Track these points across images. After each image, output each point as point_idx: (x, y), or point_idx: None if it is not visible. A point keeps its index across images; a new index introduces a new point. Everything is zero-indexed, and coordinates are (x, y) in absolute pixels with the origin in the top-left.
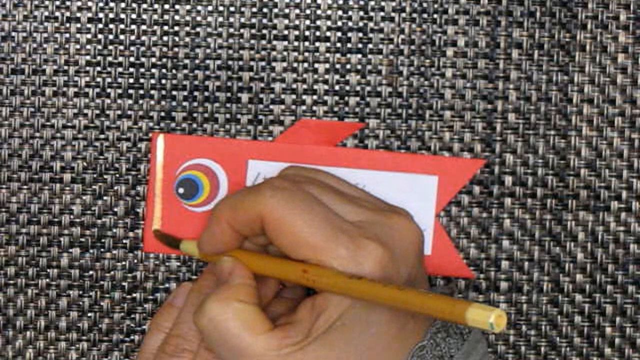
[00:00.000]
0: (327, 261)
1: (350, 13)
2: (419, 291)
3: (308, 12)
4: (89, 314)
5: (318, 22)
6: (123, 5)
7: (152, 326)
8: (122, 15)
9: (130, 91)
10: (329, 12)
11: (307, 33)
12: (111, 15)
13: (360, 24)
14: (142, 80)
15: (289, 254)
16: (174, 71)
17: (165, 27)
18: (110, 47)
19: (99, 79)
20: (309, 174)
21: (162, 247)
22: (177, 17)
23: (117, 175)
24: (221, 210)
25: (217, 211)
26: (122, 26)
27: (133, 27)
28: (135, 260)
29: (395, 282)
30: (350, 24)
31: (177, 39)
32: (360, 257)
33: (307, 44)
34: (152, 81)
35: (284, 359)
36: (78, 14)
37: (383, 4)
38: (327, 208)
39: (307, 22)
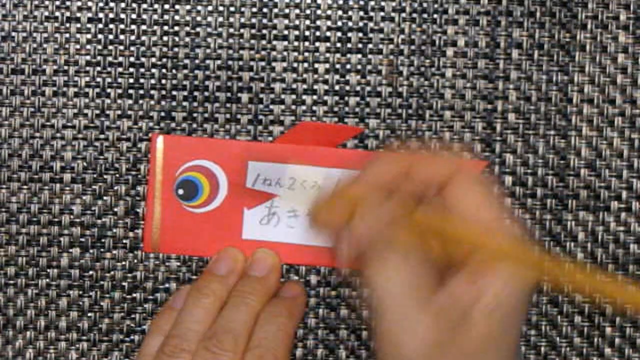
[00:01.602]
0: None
1: (350, 13)
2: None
3: (308, 12)
4: (89, 314)
5: (318, 22)
6: (123, 5)
7: (152, 328)
8: (122, 15)
9: (130, 91)
10: (329, 12)
11: (307, 33)
12: (111, 15)
13: (360, 24)
14: (142, 80)
15: (470, 217)
16: (174, 71)
17: (165, 27)
18: (110, 47)
19: (99, 79)
20: None
21: (162, 248)
22: (177, 17)
23: (117, 175)
24: (397, 160)
25: (389, 159)
26: (122, 26)
27: (133, 27)
28: (135, 260)
29: None
30: (350, 24)
31: (177, 39)
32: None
33: (307, 44)
34: (152, 81)
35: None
36: (78, 14)
37: (383, 4)
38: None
39: (307, 22)
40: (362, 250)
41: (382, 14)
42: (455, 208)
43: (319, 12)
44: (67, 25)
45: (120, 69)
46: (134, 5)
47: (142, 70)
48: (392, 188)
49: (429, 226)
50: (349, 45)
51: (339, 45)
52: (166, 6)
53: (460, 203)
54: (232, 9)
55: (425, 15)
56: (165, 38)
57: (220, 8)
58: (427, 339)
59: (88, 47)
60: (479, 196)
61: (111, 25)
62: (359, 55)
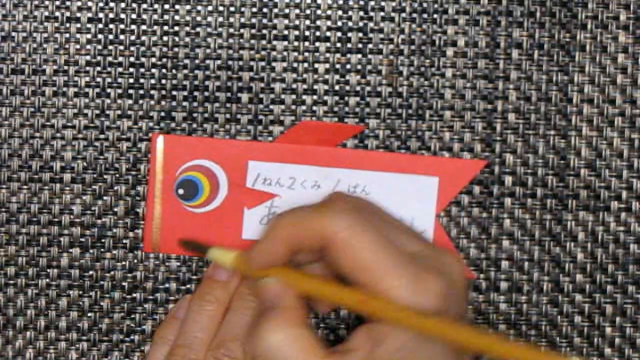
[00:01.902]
0: (387, 290)
1: (350, 13)
2: (497, 337)
3: (308, 12)
4: (89, 314)
5: (318, 22)
6: (123, 5)
7: (156, 338)
8: (122, 15)
9: (130, 91)
10: (329, 12)
11: (307, 33)
12: (111, 15)
13: (360, 24)
14: (142, 80)
15: (347, 276)
16: (174, 71)
17: (165, 27)
18: (110, 47)
19: (99, 79)
20: (360, 200)
21: (162, 248)
22: (177, 17)
23: (117, 175)
24: (281, 226)
25: (276, 227)
26: (122, 26)
27: (133, 27)
28: (135, 260)
29: (448, 317)
30: (350, 24)
31: (177, 39)
32: (420, 289)
33: (307, 44)
34: (152, 81)
35: None
36: (78, 14)
37: (383, 4)
38: (387, 236)
39: (307, 22)
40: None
41: (382, 14)
42: (337, 270)
43: (319, 12)
44: (67, 25)
45: (120, 69)
46: (134, 5)
47: (142, 70)
48: (295, 248)
49: (312, 291)
50: (349, 45)
51: (339, 45)
52: (166, 6)
53: (338, 266)
54: (232, 9)
55: (425, 15)
56: (165, 38)
57: (220, 8)
58: None
59: (88, 47)
60: (350, 260)
61: (111, 25)
62: (359, 55)
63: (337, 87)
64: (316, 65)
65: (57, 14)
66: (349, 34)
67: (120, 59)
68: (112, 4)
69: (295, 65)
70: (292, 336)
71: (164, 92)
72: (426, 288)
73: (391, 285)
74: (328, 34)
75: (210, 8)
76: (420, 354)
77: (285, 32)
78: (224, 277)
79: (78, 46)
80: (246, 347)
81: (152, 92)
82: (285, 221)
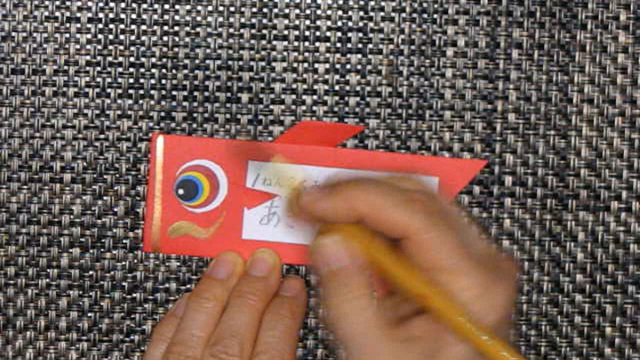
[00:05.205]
0: (459, 291)
1: (350, 13)
2: None
3: (308, 12)
4: (89, 314)
5: (318, 22)
6: (123, 5)
7: (155, 336)
8: (122, 15)
9: (130, 91)
10: (329, 12)
11: (307, 33)
12: (111, 15)
13: (360, 24)
14: (142, 80)
15: (422, 270)
16: (174, 71)
17: (165, 27)
18: (110, 47)
19: (99, 79)
20: (440, 200)
21: (162, 248)
22: (177, 17)
23: (117, 175)
24: (361, 199)
25: (355, 196)
26: (122, 26)
27: (133, 27)
28: (135, 260)
29: (508, 323)
30: (350, 24)
31: (177, 39)
32: (492, 294)
33: (307, 44)
34: (152, 81)
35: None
36: (78, 14)
37: (383, 4)
38: (462, 238)
39: (307, 22)
40: (321, 276)
41: (382, 14)
42: (413, 258)
43: (319, 12)
44: (67, 25)
45: (120, 69)
46: (134, 5)
47: (142, 70)
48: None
49: (381, 267)
50: (349, 45)
51: (339, 45)
52: (166, 6)
53: (415, 260)
54: (232, 9)
55: (425, 15)
56: (165, 38)
57: (220, 8)
58: None
59: (88, 47)
60: (424, 251)
61: (111, 25)
62: (359, 55)
63: (337, 87)
64: (316, 65)
65: (57, 14)
66: (349, 34)
67: (120, 59)
68: (112, 4)
69: (295, 65)
70: (358, 308)
71: (164, 92)
72: (497, 293)
73: (462, 285)
74: (328, 34)
75: (210, 8)
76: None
77: (285, 32)
78: (223, 275)
79: (78, 46)
80: (327, 318)
81: (152, 92)
82: (366, 196)
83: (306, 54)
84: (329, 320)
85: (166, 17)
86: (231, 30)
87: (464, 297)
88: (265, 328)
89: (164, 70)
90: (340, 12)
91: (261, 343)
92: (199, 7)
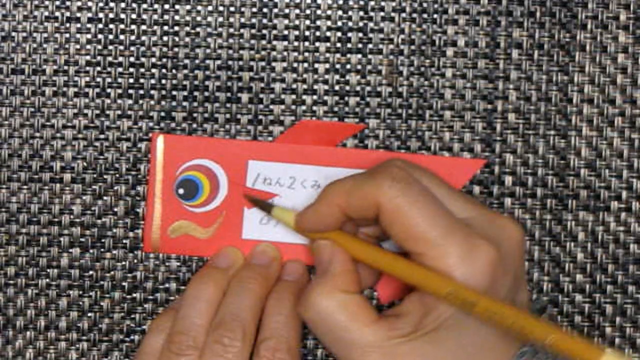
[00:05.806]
0: (437, 258)
1: (350, 13)
2: (550, 325)
3: (308, 12)
4: (89, 314)
5: (318, 22)
6: (123, 5)
7: (152, 327)
8: (122, 15)
9: (130, 91)
10: (329, 12)
11: (307, 33)
12: (111, 15)
13: (360, 24)
14: (142, 80)
15: (400, 244)
16: (174, 71)
17: (165, 27)
18: (110, 47)
19: (99, 79)
20: (418, 167)
21: (162, 248)
22: (177, 17)
23: (117, 175)
24: (335, 192)
25: (330, 192)
26: (122, 26)
27: (133, 27)
28: (135, 260)
29: (502, 285)
30: (350, 24)
31: (177, 39)
32: (473, 257)
33: (307, 44)
34: (152, 81)
35: (391, 350)
36: (78, 14)
37: (383, 4)
38: (441, 202)
39: (307, 22)
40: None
41: (382, 14)
42: (389, 232)
43: (319, 12)
44: (67, 25)
45: (120, 69)
46: (134, 5)
47: (142, 70)
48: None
49: (362, 256)
50: (349, 45)
51: (339, 45)
52: (166, 6)
53: (391, 234)
54: (232, 9)
55: (425, 15)
56: (165, 38)
57: (220, 8)
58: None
59: (88, 47)
60: (404, 227)
61: (111, 25)
62: (359, 55)
63: (337, 87)
64: (316, 65)
65: (57, 14)
66: (349, 34)
67: (120, 59)
68: (112, 4)
69: (295, 65)
70: (342, 301)
71: (164, 92)
72: (478, 255)
73: (444, 252)
74: (328, 34)
75: (210, 8)
76: (470, 324)
77: (285, 32)
78: (223, 265)
79: (78, 46)
80: (298, 310)
81: (152, 92)
82: (338, 187)
83: (306, 54)
84: (312, 317)
85: (166, 17)
86: (231, 30)
87: (443, 265)
88: (270, 313)
89: (164, 70)
90: (340, 12)
91: (267, 329)
92: (199, 7)
